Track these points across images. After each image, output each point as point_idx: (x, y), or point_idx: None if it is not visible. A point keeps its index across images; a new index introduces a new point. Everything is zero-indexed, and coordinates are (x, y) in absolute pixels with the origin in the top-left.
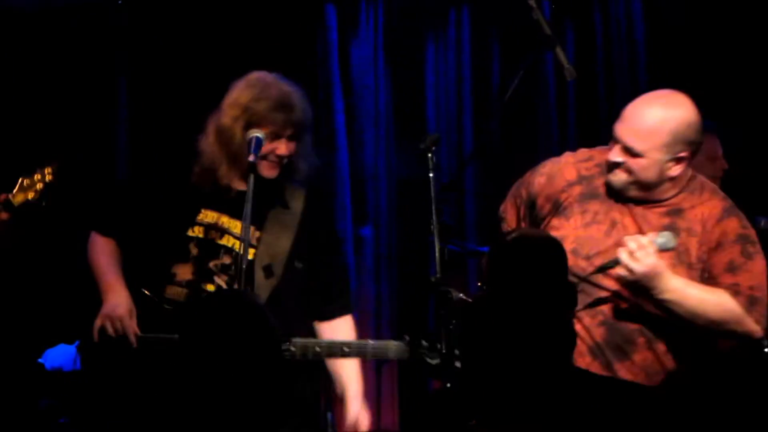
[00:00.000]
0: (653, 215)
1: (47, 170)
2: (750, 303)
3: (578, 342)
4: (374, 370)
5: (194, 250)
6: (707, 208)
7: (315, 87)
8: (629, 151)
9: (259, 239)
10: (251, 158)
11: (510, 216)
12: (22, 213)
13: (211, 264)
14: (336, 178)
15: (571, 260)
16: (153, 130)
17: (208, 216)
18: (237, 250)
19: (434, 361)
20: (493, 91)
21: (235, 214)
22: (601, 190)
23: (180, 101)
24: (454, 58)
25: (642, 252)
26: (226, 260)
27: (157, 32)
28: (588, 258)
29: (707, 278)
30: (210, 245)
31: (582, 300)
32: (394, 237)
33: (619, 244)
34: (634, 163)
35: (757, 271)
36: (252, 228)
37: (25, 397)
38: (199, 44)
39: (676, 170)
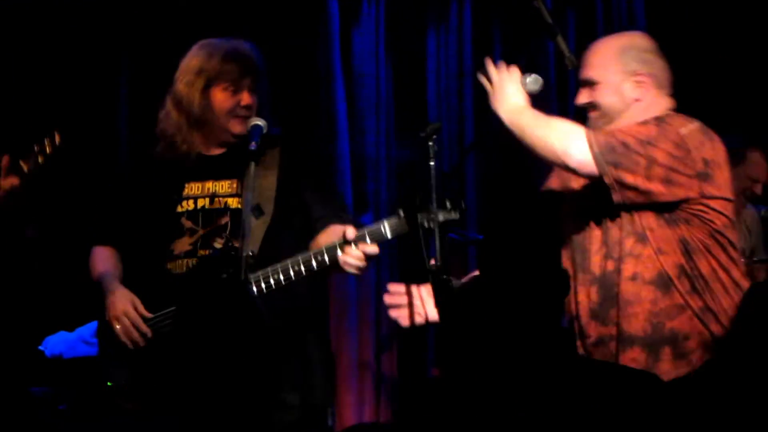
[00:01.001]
0: None
1: (55, 135)
2: (594, 132)
3: (583, 310)
4: (374, 359)
5: (187, 223)
6: None
7: (316, 75)
8: (588, 85)
9: (243, 187)
10: (252, 146)
11: None
12: (33, 177)
13: (207, 230)
14: (336, 166)
15: (571, 227)
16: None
17: (193, 188)
18: (232, 206)
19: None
20: None
21: (218, 176)
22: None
23: None
24: (455, 47)
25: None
26: (223, 221)
27: (158, 19)
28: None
29: None
30: (203, 213)
31: (579, 264)
32: None
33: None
34: (596, 94)
35: (635, 128)
36: (235, 181)
37: (24, 385)
38: (200, 31)
39: (636, 91)
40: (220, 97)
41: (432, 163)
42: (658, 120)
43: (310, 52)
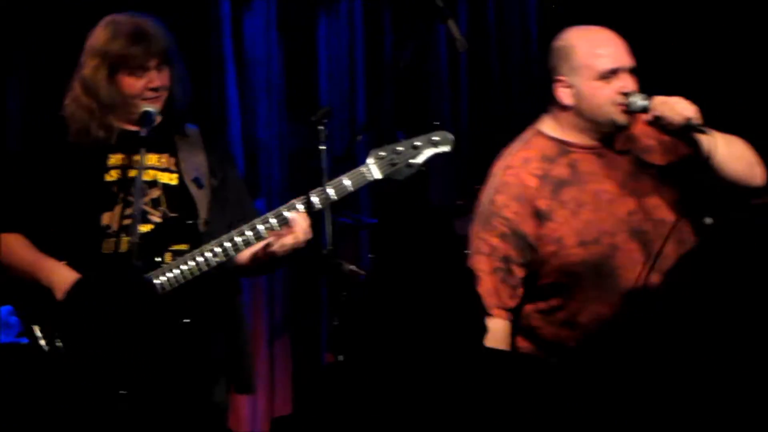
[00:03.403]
0: (619, 159)
1: None
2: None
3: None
4: (267, 344)
5: (119, 194)
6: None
7: (207, 59)
8: (631, 72)
9: (177, 162)
10: (143, 132)
11: (493, 288)
12: None
13: (141, 203)
14: None
15: (582, 253)
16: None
17: (120, 159)
18: (163, 181)
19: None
20: (385, 63)
21: (147, 149)
22: (563, 176)
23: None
24: (347, 30)
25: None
26: (155, 194)
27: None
28: (597, 242)
29: None
30: (134, 183)
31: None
32: None
33: (612, 211)
34: (634, 83)
35: None
36: (165, 156)
37: None
38: (86, 15)
39: None
40: (127, 82)
41: (323, 147)
42: None
43: (200, 36)
